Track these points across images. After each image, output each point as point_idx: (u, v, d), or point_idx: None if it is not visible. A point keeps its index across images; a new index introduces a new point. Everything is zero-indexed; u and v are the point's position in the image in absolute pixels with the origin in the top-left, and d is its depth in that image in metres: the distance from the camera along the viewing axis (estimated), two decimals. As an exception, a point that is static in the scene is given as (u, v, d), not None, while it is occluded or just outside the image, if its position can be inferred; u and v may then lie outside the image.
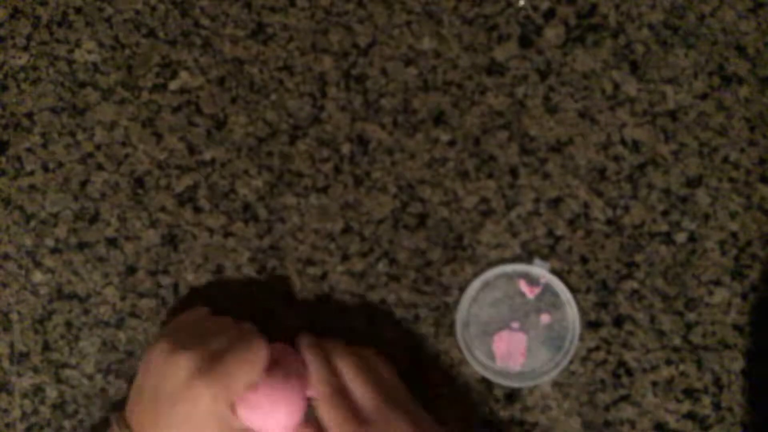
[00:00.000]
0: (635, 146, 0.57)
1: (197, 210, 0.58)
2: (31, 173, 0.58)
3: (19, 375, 0.58)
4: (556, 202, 0.57)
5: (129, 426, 0.50)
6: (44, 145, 0.58)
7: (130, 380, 0.57)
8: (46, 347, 0.58)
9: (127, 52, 0.58)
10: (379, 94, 0.57)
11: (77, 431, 0.58)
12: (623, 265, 0.56)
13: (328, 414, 0.50)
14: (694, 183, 0.57)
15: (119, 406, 0.58)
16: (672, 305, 0.56)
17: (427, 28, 0.57)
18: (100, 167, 0.58)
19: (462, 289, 0.57)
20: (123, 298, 0.58)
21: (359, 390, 0.51)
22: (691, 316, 0.56)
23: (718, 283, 0.56)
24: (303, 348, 0.53)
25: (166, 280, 0.58)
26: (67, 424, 0.58)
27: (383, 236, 0.57)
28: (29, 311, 0.58)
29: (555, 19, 0.57)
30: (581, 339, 0.56)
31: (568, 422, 0.56)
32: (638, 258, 0.56)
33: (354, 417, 0.50)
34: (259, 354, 0.50)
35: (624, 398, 0.56)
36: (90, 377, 0.58)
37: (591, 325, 0.56)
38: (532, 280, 0.57)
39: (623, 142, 0.57)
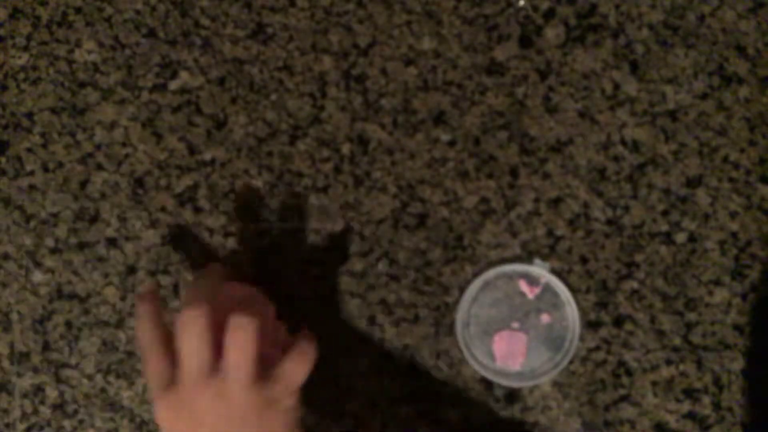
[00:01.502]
0: (635, 146, 0.57)
1: (197, 210, 0.58)
2: (31, 173, 0.58)
3: (19, 375, 0.58)
4: (556, 202, 0.57)
5: None
6: (44, 145, 0.58)
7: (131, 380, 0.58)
8: (46, 347, 0.58)
9: (127, 52, 0.58)
10: (379, 94, 0.57)
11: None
12: (623, 265, 0.56)
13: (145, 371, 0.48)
14: (694, 183, 0.57)
15: (118, 406, 0.58)
16: (672, 305, 0.56)
17: (427, 28, 0.57)
18: (100, 167, 0.58)
19: (462, 289, 0.57)
20: (123, 298, 0.58)
21: (183, 345, 0.47)
22: (691, 316, 0.56)
23: (718, 283, 0.56)
24: None
25: (166, 280, 0.58)
26: (67, 424, 0.58)
27: (383, 236, 0.57)
28: (29, 311, 0.58)
29: (555, 19, 0.57)
30: (581, 339, 0.56)
31: (568, 422, 0.56)
32: (638, 258, 0.56)
33: (163, 376, 0.47)
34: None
35: (624, 398, 0.56)
36: (90, 377, 0.58)
37: (591, 325, 0.56)
38: (532, 280, 0.57)
39: (623, 142, 0.57)
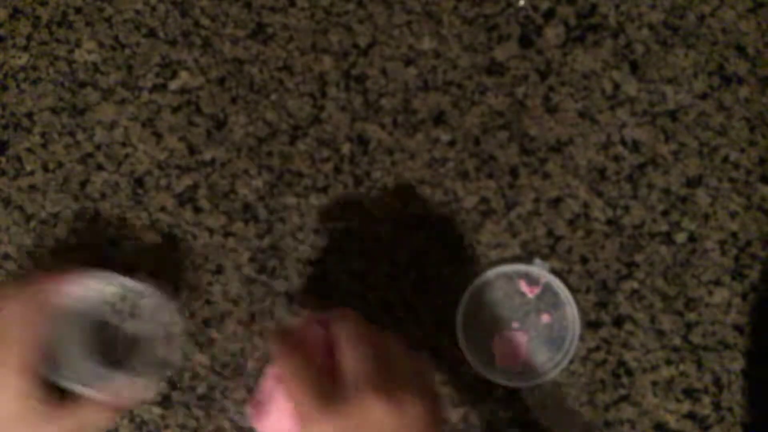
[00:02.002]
0: (635, 146, 0.57)
1: (197, 210, 0.58)
2: (31, 173, 0.58)
3: (19, 375, 0.58)
4: (556, 202, 0.57)
5: None
6: (44, 145, 0.58)
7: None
8: (46, 347, 0.58)
9: (127, 52, 0.58)
10: (379, 94, 0.57)
11: None
12: (623, 265, 0.57)
13: (288, 392, 0.43)
14: (694, 183, 0.57)
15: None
16: (672, 305, 0.56)
17: (427, 28, 0.57)
18: (100, 167, 0.58)
19: (462, 289, 0.57)
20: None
21: (346, 358, 0.43)
22: (691, 316, 0.56)
23: (718, 283, 0.56)
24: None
25: (166, 280, 0.58)
26: (67, 424, 0.58)
27: (383, 236, 0.57)
28: (29, 311, 0.58)
29: (555, 19, 0.57)
30: (581, 339, 0.56)
31: (568, 422, 0.56)
32: (638, 258, 0.56)
33: (320, 394, 0.42)
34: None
35: (624, 398, 0.56)
36: (90, 377, 0.58)
37: (591, 325, 0.56)
38: (532, 280, 0.57)
39: (623, 142, 0.57)
